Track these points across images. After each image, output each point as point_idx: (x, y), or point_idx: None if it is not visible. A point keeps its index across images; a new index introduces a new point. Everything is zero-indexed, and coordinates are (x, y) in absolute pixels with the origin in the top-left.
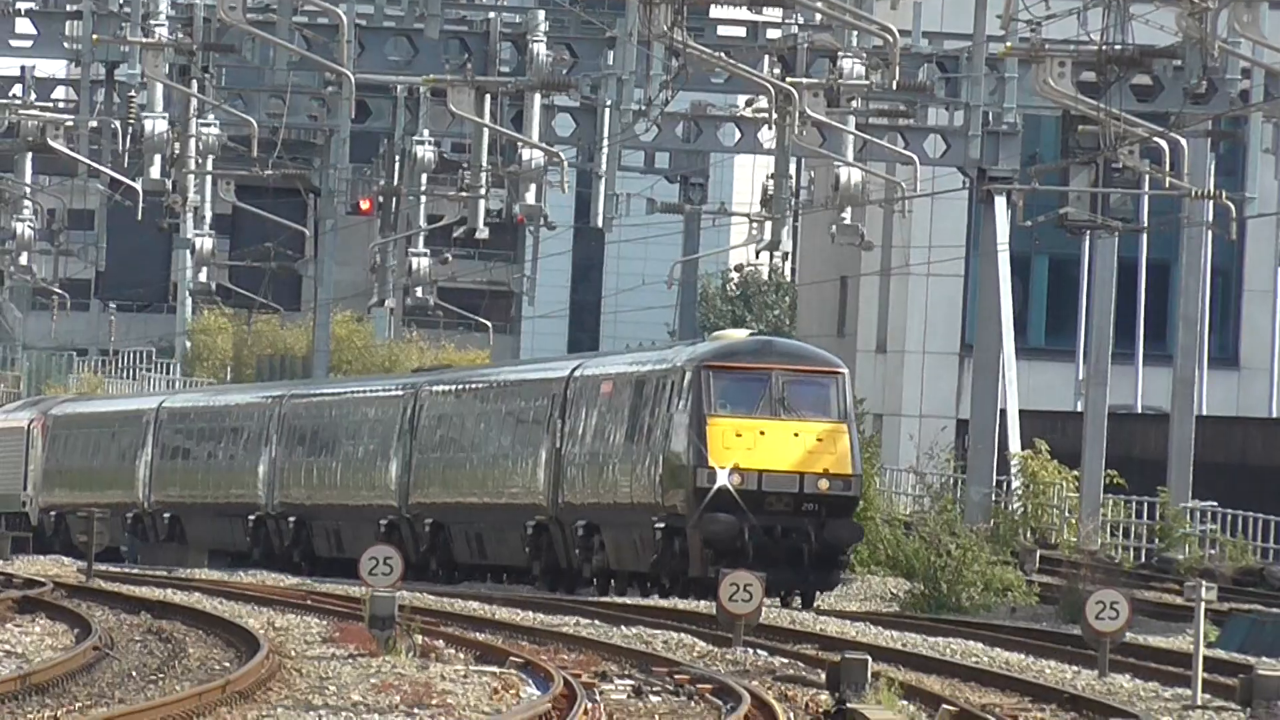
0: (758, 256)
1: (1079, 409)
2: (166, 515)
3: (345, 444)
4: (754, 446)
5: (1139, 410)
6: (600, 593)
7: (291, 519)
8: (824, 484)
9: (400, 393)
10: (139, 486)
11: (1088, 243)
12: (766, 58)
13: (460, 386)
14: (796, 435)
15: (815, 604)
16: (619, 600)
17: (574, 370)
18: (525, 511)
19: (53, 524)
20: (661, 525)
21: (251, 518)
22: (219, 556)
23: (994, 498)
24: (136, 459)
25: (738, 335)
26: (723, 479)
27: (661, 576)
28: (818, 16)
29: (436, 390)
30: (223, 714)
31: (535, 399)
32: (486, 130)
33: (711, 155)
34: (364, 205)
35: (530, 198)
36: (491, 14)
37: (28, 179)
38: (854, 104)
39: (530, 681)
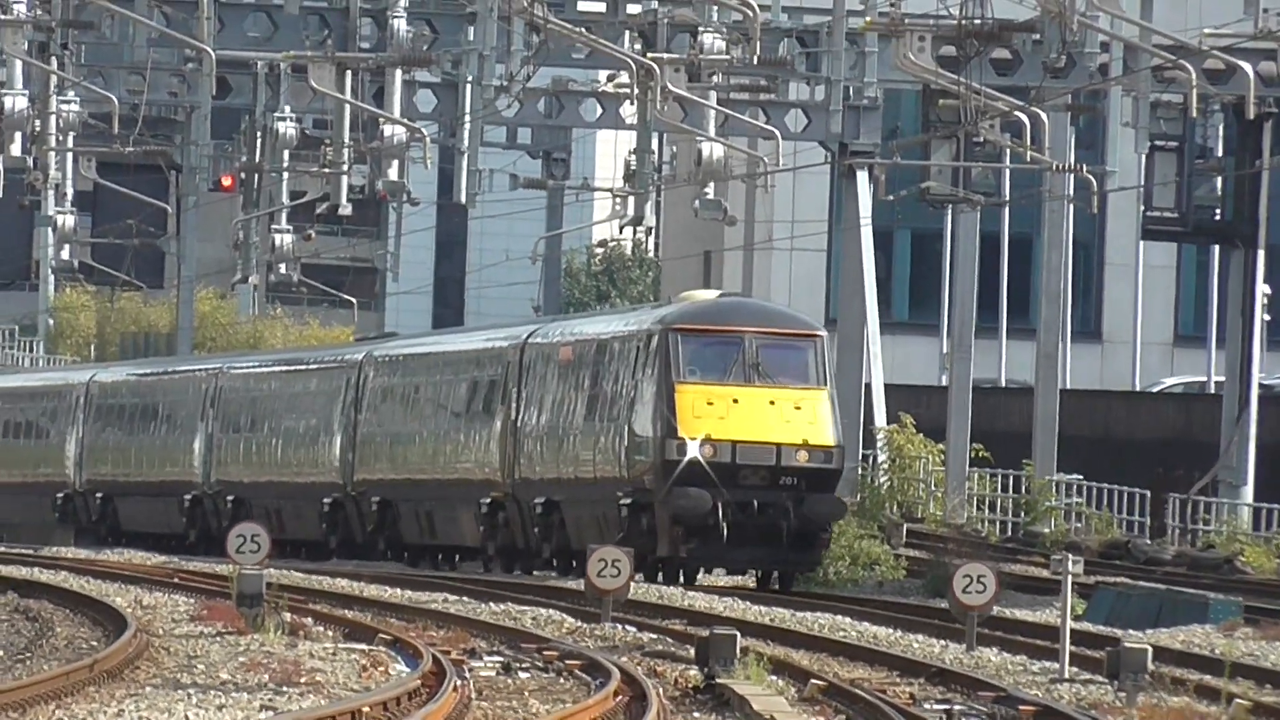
0: (621, 231)
1: (943, 383)
2: (98, 495)
3: (285, 419)
4: (726, 416)
5: (1003, 384)
6: (561, 574)
7: (230, 498)
8: (802, 456)
9: (343, 363)
10: (69, 465)
11: (950, 217)
12: (627, 33)
13: (407, 355)
14: (772, 403)
15: (793, 586)
16: (486, 577)
17: (529, 336)
18: (478, 488)
19: None
20: (628, 501)
21: (188, 498)
22: (152, 540)
23: (860, 472)
24: (66, 435)
25: (707, 296)
26: (693, 451)
27: None
28: None
29: (381, 359)
30: (90, 693)
31: (487, 367)
32: (348, 106)
33: (574, 131)
34: (226, 182)
35: (393, 174)
36: None
37: None
38: (715, 79)
39: (399, 659)
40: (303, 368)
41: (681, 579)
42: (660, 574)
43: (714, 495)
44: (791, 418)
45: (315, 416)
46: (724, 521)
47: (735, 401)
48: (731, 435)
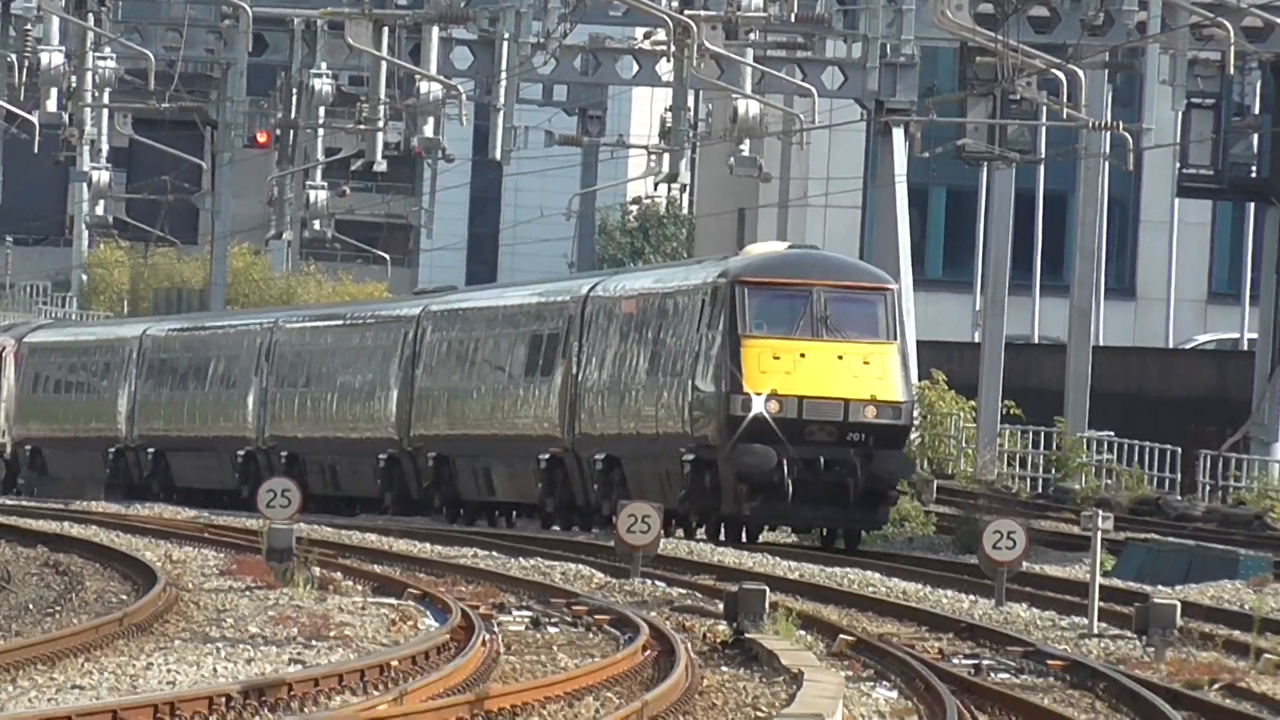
0: (656, 189)
1: (976, 339)
2: (150, 451)
3: (341, 374)
4: (793, 370)
5: (1036, 341)
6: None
7: (284, 454)
8: (871, 411)
9: (400, 317)
10: (120, 420)
11: (985, 174)
12: None
13: (465, 308)
14: (840, 358)
15: (859, 545)
16: (515, 532)
17: (591, 289)
18: (537, 444)
19: (28, 459)
20: (691, 458)
21: (240, 453)
22: (204, 496)
23: None
24: (119, 391)
25: (775, 247)
26: (758, 406)
27: (690, 514)
28: None
29: (440, 313)
30: (120, 647)
31: (548, 321)
32: (384, 63)
33: (609, 88)
34: (261, 138)
35: (428, 130)
36: None
37: None
38: (752, 36)
39: (428, 613)
40: (359, 322)
41: (744, 537)
42: (723, 533)
43: (779, 452)
44: (860, 373)
45: (371, 371)
46: (789, 479)
47: (802, 356)
48: (798, 390)
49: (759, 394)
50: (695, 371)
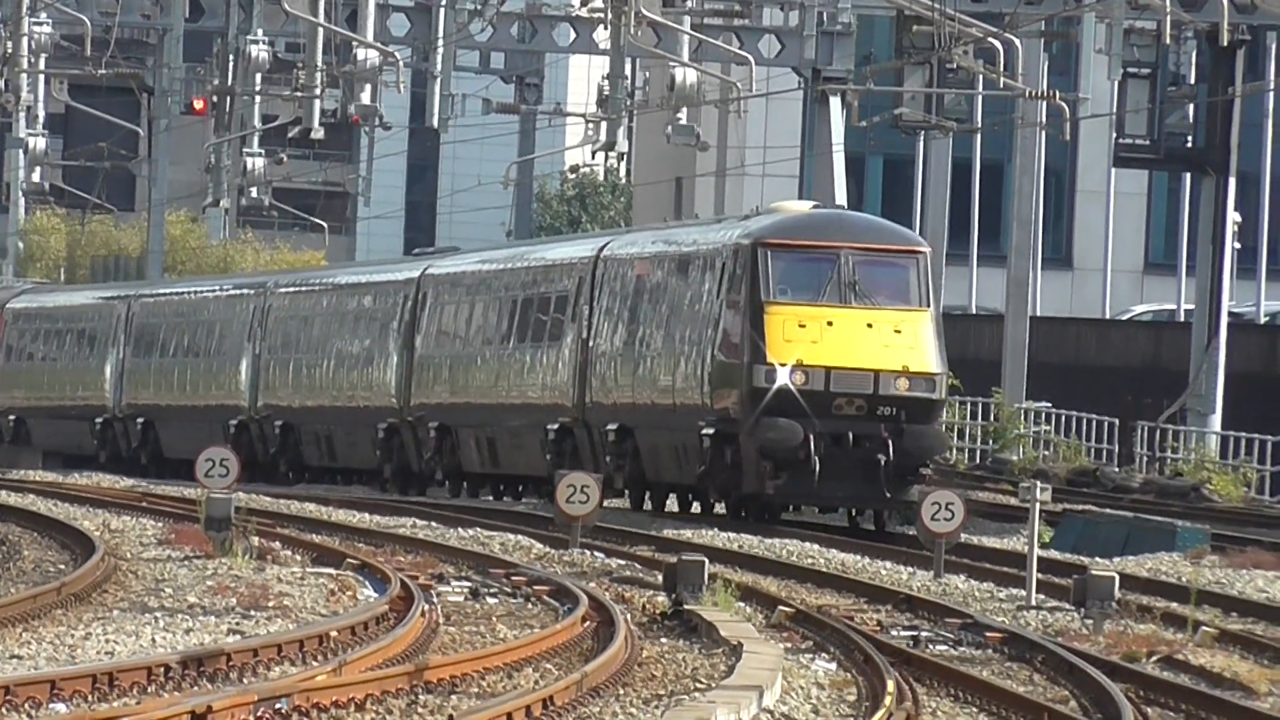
0: (593, 157)
1: None
2: (139, 421)
3: (337, 340)
4: (820, 340)
5: (973, 311)
6: (635, 506)
7: (278, 423)
8: (902, 383)
9: (399, 280)
10: (107, 389)
11: (922, 143)
12: None
13: (468, 271)
14: (870, 326)
15: (887, 526)
16: (454, 502)
17: (602, 249)
18: (546, 412)
19: (11, 428)
20: (710, 432)
21: (233, 423)
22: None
23: None
24: (105, 359)
25: (800, 207)
26: (783, 378)
27: (710, 491)
28: None
29: (441, 275)
30: (58, 616)
31: (557, 283)
32: (321, 30)
33: (547, 55)
34: (198, 105)
35: (365, 98)
36: None
37: None
38: (689, 4)
39: (367, 583)
40: (356, 282)
41: (766, 517)
42: (744, 513)
43: (805, 426)
44: (891, 342)
45: (369, 337)
46: (816, 455)
47: (829, 324)
48: (825, 361)
49: (783, 364)
50: (715, 339)
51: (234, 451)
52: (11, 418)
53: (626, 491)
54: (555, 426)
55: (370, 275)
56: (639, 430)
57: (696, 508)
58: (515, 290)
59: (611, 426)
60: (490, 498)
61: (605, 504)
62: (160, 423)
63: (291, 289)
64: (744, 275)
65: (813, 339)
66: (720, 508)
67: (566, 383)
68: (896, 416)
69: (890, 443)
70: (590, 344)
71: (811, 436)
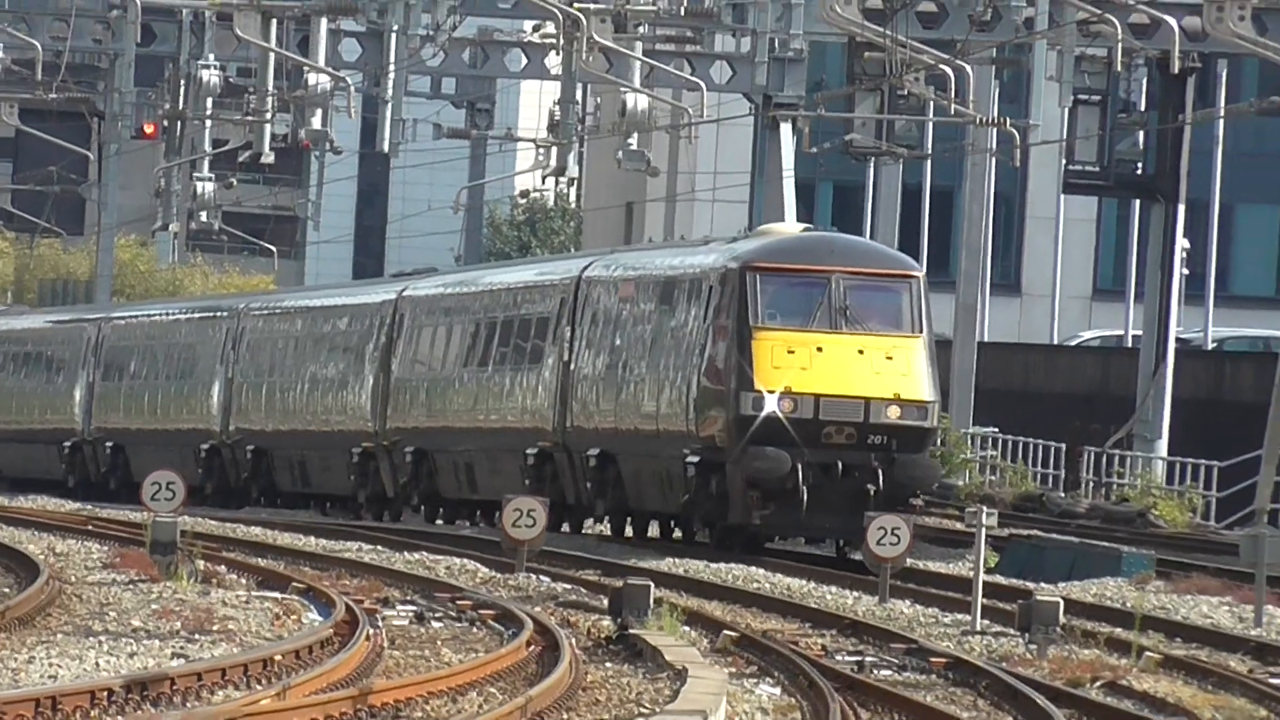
0: (544, 182)
1: None
2: (108, 445)
3: (311, 362)
4: (809, 366)
5: None
6: (616, 533)
7: (250, 448)
8: (894, 411)
9: (375, 301)
10: (76, 412)
11: (872, 169)
12: None
13: (446, 292)
14: (861, 352)
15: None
16: (399, 525)
17: (584, 270)
18: (525, 437)
19: None
20: (695, 460)
21: (204, 447)
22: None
23: None
24: (74, 382)
25: (789, 230)
26: (771, 405)
27: (694, 520)
28: None
29: (418, 297)
30: (1, 640)
31: (538, 303)
32: (272, 54)
33: (498, 81)
34: (148, 129)
35: (316, 122)
36: None
37: None
38: (641, 29)
39: (312, 607)
40: (332, 305)
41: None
42: (729, 543)
43: (794, 455)
44: (882, 369)
45: (345, 360)
46: (804, 485)
47: (819, 350)
48: (814, 388)
49: (771, 391)
50: (700, 365)
51: (181, 476)
52: None
53: (607, 519)
54: (534, 451)
55: (346, 297)
56: (621, 456)
57: (679, 534)
58: (494, 312)
59: (593, 452)
60: (467, 524)
61: (585, 531)
62: (130, 447)
63: (265, 311)
64: (731, 299)
65: (802, 365)
66: (703, 536)
67: (547, 406)
68: (888, 445)
69: (881, 472)
70: (572, 367)
71: (800, 466)
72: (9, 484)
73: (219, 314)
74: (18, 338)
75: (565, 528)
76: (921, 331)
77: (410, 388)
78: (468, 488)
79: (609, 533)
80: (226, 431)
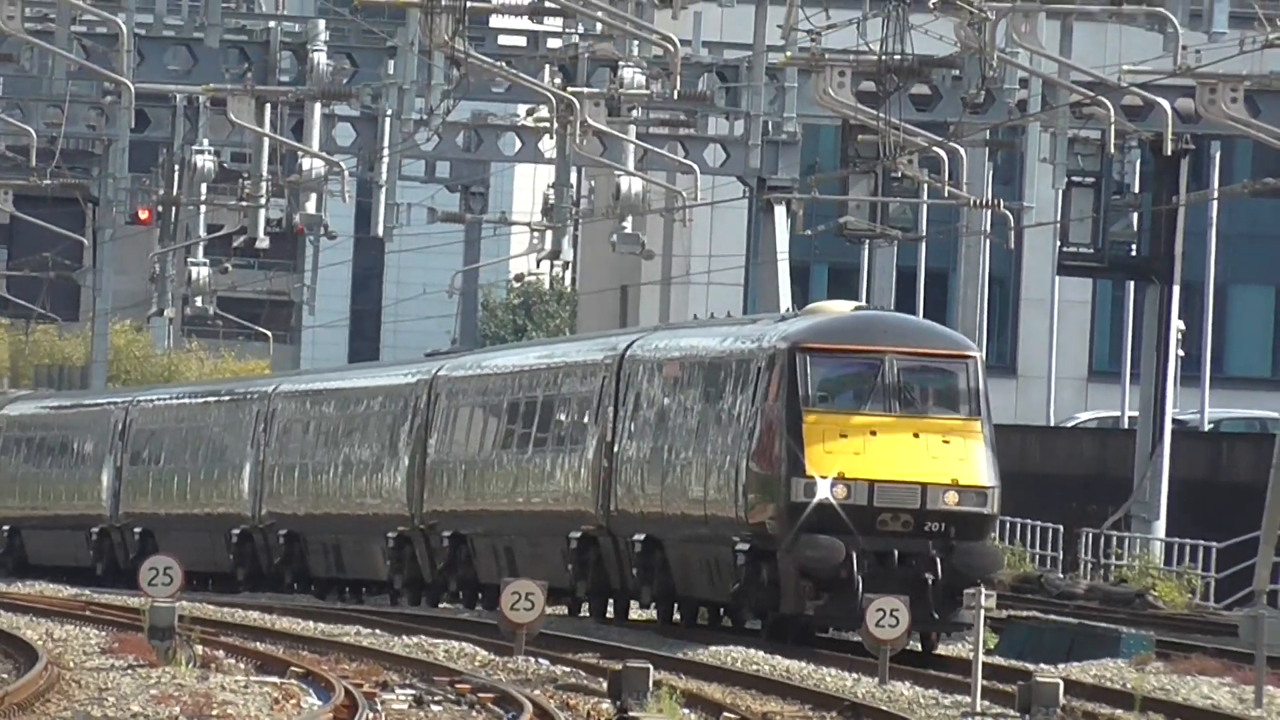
0: (539, 265)
1: None
2: (137, 531)
3: (345, 444)
4: (863, 450)
5: None
6: (664, 620)
7: (282, 532)
8: (952, 497)
9: (410, 382)
10: (104, 498)
11: (867, 251)
12: (547, 67)
13: (483, 372)
14: (917, 436)
15: (936, 649)
16: (398, 610)
17: (627, 349)
18: (568, 520)
19: (5, 539)
20: (745, 548)
21: (235, 532)
22: (203, 578)
23: None
24: (101, 466)
25: (840, 308)
26: (824, 491)
27: (745, 609)
28: (598, 26)
29: (454, 377)
30: None
31: (578, 383)
32: (267, 139)
33: (492, 164)
34: (143, 215)
35: (310, 207)
36: (271, 23)
37: None
38: (635, 113)
39: (311, 691)
40: (365, 386)
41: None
42: (781, 634)
43: (848, 544)
44: (939, 453)
45: (379, 441)
46: (859, 575)
47: (873, 434)
48: (869, 473)
49: (824, 477)
50: (750, 449)
51: (178, 560)
52: (5, 528)
53: (654, 606)
54: (578, 535)
55: (380, 378)
56: (668, 542)
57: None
58: (533, 391)
59: (638, 537)
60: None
61: (630, 618)
62: (160, 533)
63: (296, 393)
64: (781, 381)
65: (855, 450)
66: (753, 622)
67: (589, 489)
68: (945, 533)
69: (939, 561)
70: (615, 449)
71: (854, 554)
72: (35, 571)
73: (249, 396)
74: (43, 422)
75: (610, 613)
76: (979, 414)
77: (447, 469)
78: (507, 571)
79: (655, 620)
80: (258, 516)
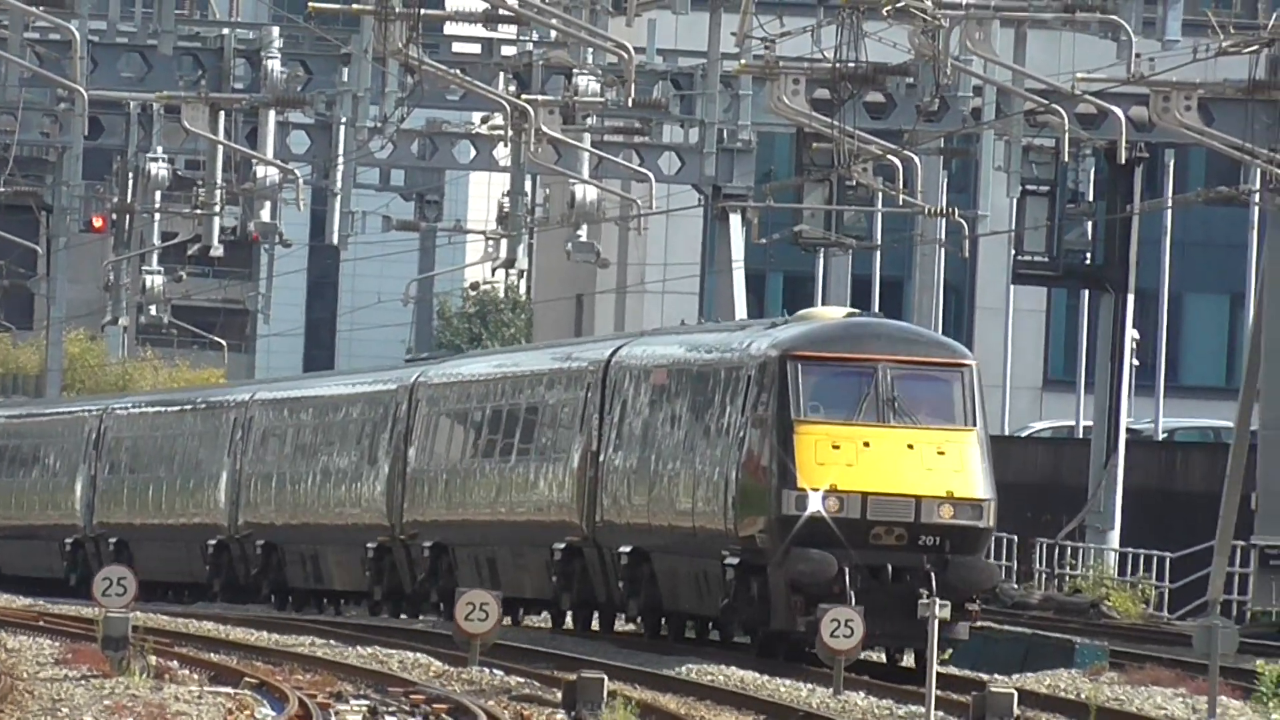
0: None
1: None
2: (112, 541)
3: (322, 452)
4: (855, 462)
5: None
6: (651, 634)
7: (260, 543)
8: (946, 511)
9: (390, 388)
10: (77, 508)
11: (822, 259)
12: (502, 75)
13: (464, 379)
14: (911, 447)
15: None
16: (351, 620)
17: (613, 355)
18: (552, 531)
19: None
20: (734, 561)
21: (211, 542)
22: (170, 589)
23: None
24: (75, 476)
25: (832, 314)
26: (815, 504)
27: (733, 625)
28: (553, 34)
29: (435, 383)
30: None
31: (563, 390)
32: (221, 147)
33: (447, 172)
34: (97, 223)
35: (265, 215)
36: (225, 30)
37: None
38: (589, 121)
39: (265, 702)
40: (343, 393)
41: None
42: (772, 650)
43: (840, 558)
44: (934, 465)
45: (358, 450)
46: (851, 589)
47: (866, 445)
48: (861, 485)
49: (816, 489)
50: (739, 459)
51: (132, 570)
52: None
53: (640, 620)
54: (562, 546)
55: (358, 385)
56: (655, 555)
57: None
58: (517, 398)
59: (625, 549)
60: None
61: (615, 630)
62: (134, 543)
63: (274, 400)
64: (771, 390)
65: (848, 461)
66: (742, 636)
67: (574, 499)
68: (940, 547)
69: (933, 576)
70: (601, 458)
71: (847, 569)
72: (5, 583)
73: (226, 404)
74: (14, 430)
75: (595, 625)
76: (975, 424)
77: (428, 478)
78: (490, 583)
79: (641, 633)
80: (235, 526)
